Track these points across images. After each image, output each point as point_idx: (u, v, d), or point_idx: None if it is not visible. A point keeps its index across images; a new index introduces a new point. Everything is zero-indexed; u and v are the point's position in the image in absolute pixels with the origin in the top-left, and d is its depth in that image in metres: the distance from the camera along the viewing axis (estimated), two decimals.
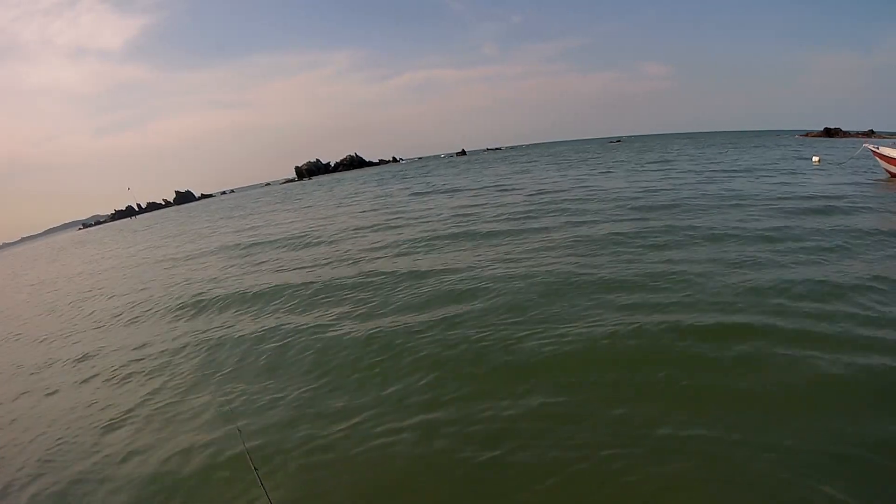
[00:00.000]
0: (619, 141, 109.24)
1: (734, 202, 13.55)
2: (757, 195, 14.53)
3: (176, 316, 9.47)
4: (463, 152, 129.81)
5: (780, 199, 13.71)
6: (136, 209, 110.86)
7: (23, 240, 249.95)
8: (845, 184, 16.67)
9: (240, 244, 17.33)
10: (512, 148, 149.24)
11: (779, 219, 11.05)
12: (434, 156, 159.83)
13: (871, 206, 12.22)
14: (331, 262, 11.69)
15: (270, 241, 16.76)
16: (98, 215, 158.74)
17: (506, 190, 23.85)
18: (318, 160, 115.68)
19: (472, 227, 13.73)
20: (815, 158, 26.15)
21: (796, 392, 4.28)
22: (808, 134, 67.29)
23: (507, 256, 9.88)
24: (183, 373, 6.52)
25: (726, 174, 22.25)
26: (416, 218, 17.35)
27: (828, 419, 3.90)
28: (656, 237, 10.07)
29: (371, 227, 16.66)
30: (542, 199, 18.44)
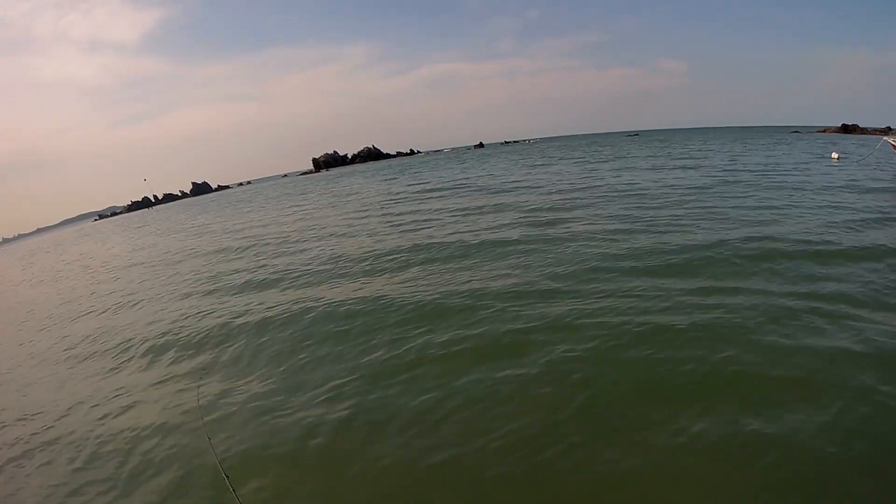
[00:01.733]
0: (636, 135, 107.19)
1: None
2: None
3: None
4: (480, 145, 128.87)
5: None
6: (153, 200, 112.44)
7: (38, 231, 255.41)
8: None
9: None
10: (531, 141, 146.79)
11: None
12: (451, 148, 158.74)
13: None
14: None
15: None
16: (114, 206, 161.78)
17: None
18: (335, 152, 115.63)
19: None
20: (834, 155, 25.76)
21: None
22: (825, 130, 65.54)
23: None
24: None
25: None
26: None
27: None
28: None
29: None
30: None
